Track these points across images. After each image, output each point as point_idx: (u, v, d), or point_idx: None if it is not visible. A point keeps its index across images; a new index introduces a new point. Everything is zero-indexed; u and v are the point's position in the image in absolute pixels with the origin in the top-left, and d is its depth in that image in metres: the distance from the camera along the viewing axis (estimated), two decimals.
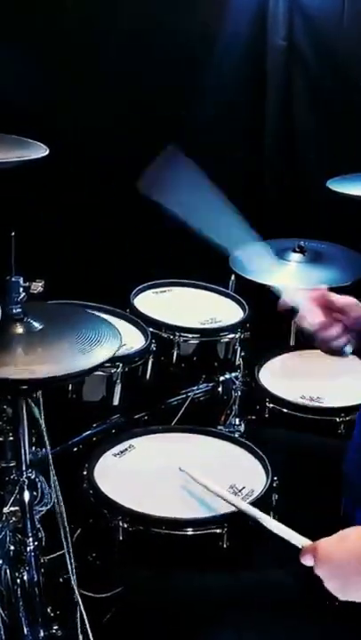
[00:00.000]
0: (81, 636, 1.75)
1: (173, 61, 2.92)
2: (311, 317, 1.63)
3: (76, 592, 1.74)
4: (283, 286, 1.73)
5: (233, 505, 1.57)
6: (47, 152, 1.71)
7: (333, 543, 1.30)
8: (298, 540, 1.37)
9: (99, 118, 2.91)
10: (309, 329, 1.64)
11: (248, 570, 1.61)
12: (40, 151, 1.72)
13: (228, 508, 1.65)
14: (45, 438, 1.74)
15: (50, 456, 1.75)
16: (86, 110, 2.90)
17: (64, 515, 1.74)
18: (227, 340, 2.31)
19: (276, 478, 1.77)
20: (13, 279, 1.64)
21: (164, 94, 2.95)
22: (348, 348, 1.65)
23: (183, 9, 2.90)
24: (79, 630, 1.75)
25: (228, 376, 2.35)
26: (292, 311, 1.66)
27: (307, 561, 1.31)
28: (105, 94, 2.91)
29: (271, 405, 2.19)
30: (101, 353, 1.65)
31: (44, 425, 1.74)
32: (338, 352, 1.65)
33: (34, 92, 2.80)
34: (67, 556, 1.74)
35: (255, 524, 1.47)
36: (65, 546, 1.73)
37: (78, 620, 1.74)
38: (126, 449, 1.92)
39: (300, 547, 1.35)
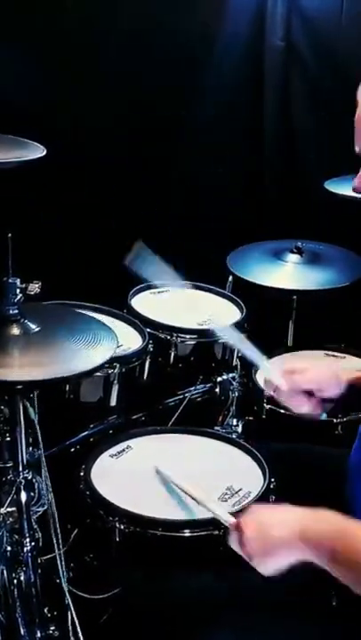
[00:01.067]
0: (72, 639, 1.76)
1: (173, 61, 2.93)
2: (289, 400, 1.70)
3: (67, 595, 1.74)
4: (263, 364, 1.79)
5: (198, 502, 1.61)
6: (44, 153, 1.70)
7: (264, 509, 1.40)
8: (226, 516, 1.45)
9: (98, 118, 2.91)
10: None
11: (246, 571, 1.61)
12: (37, 152, 1.71)
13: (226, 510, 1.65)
14: (39, 438, 1.74)
15: (43, 457, 1.75)
16: (86, 110, 2.90)
17: (56, 516, 1.74)
18: (224, 341, 2.31)
19: (273, 480, 1.77)
20: (10, 280, 1.64)
21: (163, 94, 2.95)
22: (324, 415, 1.77)
23: (182, 9, 2.90)
24: (70, 634, 1.76)
25: (225, 377, 2.36)
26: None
27: (232, 539, 1.38)
28: (104, 94, 2.91)
29: (268, 406, 2.20)
30: (98, 355, 1.65)
31: (37, 425, 1.74)
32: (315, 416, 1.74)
33: (33, 92, 2.80)
34: (57, 559, 1.74)
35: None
36: (56, 549, 1.73)
37: (70, 623, 1.74)
38: (124, 450, 1.91)
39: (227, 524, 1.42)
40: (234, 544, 1.39)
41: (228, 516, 1.47)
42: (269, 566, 1.34)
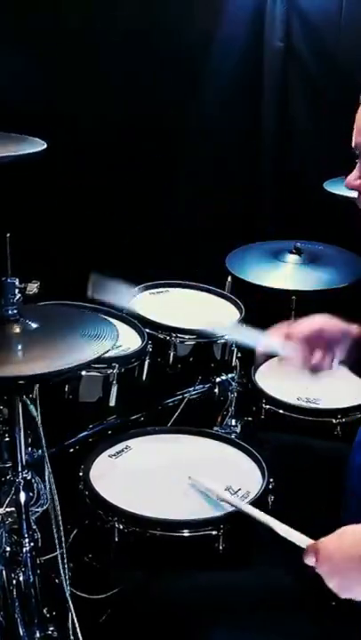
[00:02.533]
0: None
1: (172, 62, 2.93)
2: (299, 358, 1.67)
3: (68, 598, 1.74)
4: (254, 338, 1.78)
5: (237, 508, 1.59)
6: (45, 146, 1.69)
7: (334, 541, 1.34)
8: (300, 539, 1.40)
9: (97, 119, 2.91)
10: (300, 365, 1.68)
11: (244, 571, 1.61)
12: (37, 145, 1.69)
13: (224, 510, 1.65)
14: (42, 438, 1.74)
15: (46, 456, 1.75)
16: (85, 111, 2.90)
17: (59, 517, 1.74)
18: (223, 341, 2.31)
19: (272, 480, 1.77)
20: (9, 280, 1.64)
21: (162, 95, 2.95)
22: (336, 365, 1.71)
23: (182, 10, 2.90)
24: (70, 634, 1.75)
25: (224, 377, 2.36)
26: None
27: (310, 560, 1.34)
28: (104, 95, 2.91)
29: (268, 407, 2.20)
30: (99, 347, 1.64)
31: (40, 425, 1.74)
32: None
33: (33, 92, 2.80)
34: (59, 559, 1.74)
35: (260, 525, 1.50)
36: (58, 549, 1.73)
37: (70, 624, 1.74)
38: (123, 450, 1.92)
39: (303, 546, 1.37)
40: (312, 564, 1.36)
41: (302, 537, 1.43)
42: (353, 593, 1.33)
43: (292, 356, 1.68)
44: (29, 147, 1.68)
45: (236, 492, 1.75)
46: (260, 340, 1.77)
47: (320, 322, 1.68)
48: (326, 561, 1.32)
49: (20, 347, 1.62)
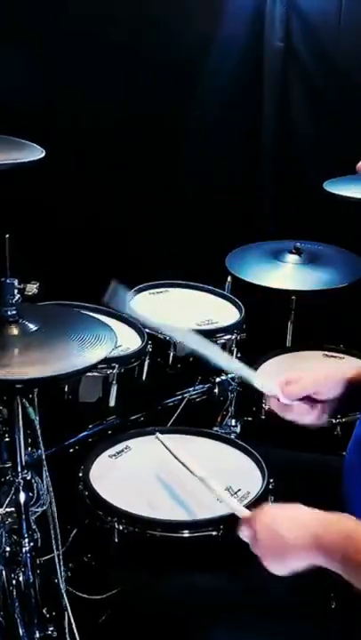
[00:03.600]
0: None
1: (172, 62, 2.93)
2: (295, 413, 1.66)
3: (65, 598, 1.74)
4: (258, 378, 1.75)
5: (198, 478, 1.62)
6: (43, 154, 1.70)
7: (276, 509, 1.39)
8: (240, 510, 1.45)
9: (97, 119, 2.91)
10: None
11: (245, 572, 1.61)
12: (36, 153, 1.70)
13: (224, 511, 1.65)
14: (39, 439, 1.74)
15: (43, 457, 1.75)
16: (84, 111, 2.90)
17: (56, 518, 1.74)
18: (223, 341, 2.31)
19: (272, 480, 1.77)
20: (8, 281, 1.64)
21: (162, 95, 2.96)
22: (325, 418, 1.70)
23: (182, 10, 2.90)
24: (67, 635, 1.76)
25: (224, 377, 2.35)
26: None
27: (244, 531, 1.38)
28: (104, 95, 2.92)
29: (267, 407, 2.19)
30: (97, 353, 1.65)
31: (38, 426, 1.74)
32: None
33: (33, 92, 2.80)
34: (56, 560, 1.74)
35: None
36: (55, 550, 1.73)
37: (66, 625, 1.74)
38: (122, 450, 1.92)
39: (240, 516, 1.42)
40: (245, 538, 1.40)
41: (241, 508, 1.47)
42: (280, 567, 1.35)
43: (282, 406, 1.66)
44: (29, 153, 1.69)
45: (236, 493, 1.75)
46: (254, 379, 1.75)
47: (314, 382, 1.65)
48: (264, 526, 1.37)
49: (17, 349, 1.62)
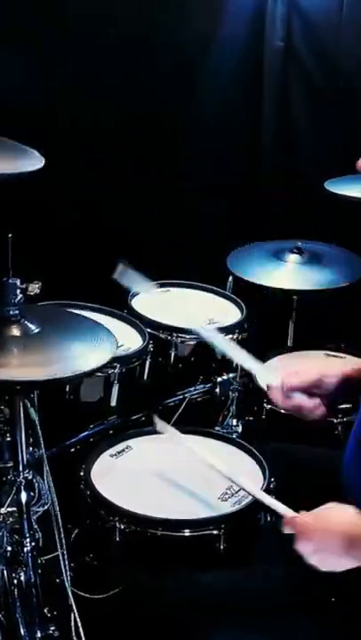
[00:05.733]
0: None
1: (172, 62, 2.93)
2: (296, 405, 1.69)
3: (70, 597, 1.74)
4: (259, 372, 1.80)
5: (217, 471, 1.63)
6: (42, 163, 1.70)
7: (318, 517, 1.40)
8: (283, 509, 1.46)
9: (97, 120, 2.91)
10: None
11: (245, 571, 1.61)
12: (36, 162, 1.70)
13: (224, 510, 1.65)
14: (40, 438, 1.74)
15: (44, 457, 1.75)
16: (85, 112, 2.90)
17: (59, 517, 1.74)
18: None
19: (273, 480, 1.77)
20: (10, 281, 1.64)
21: (162, 95, 2.96)
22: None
23: (182, 10, 2.90)
24: (73, 634, 1.76)
25: (225, 377, 2.36)
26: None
27: (288, 529, 1.40)
28: (104, 96, 2.91)
29: (269, 406, 2.20)
30: (97, 356, 1.65)
31: (39, 425, 1.74)
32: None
33: (32, 92, 2.80)
34: (61, 559, 1.74)
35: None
36: (59, 549, 1.73)
37: (72, 624, 1.74)
38: (124, 450, 1.92)
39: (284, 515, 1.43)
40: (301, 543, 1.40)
41: (284, 507, 1.48)
42: (333, 564, 1.37)
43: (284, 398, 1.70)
44: (29, 161, 1.69)
45: (236, 493, 1.75)
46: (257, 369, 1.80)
47: (319, 371, 1.70)
48: (309, 535, 1.37)
49: (19, 350, 1.62)
